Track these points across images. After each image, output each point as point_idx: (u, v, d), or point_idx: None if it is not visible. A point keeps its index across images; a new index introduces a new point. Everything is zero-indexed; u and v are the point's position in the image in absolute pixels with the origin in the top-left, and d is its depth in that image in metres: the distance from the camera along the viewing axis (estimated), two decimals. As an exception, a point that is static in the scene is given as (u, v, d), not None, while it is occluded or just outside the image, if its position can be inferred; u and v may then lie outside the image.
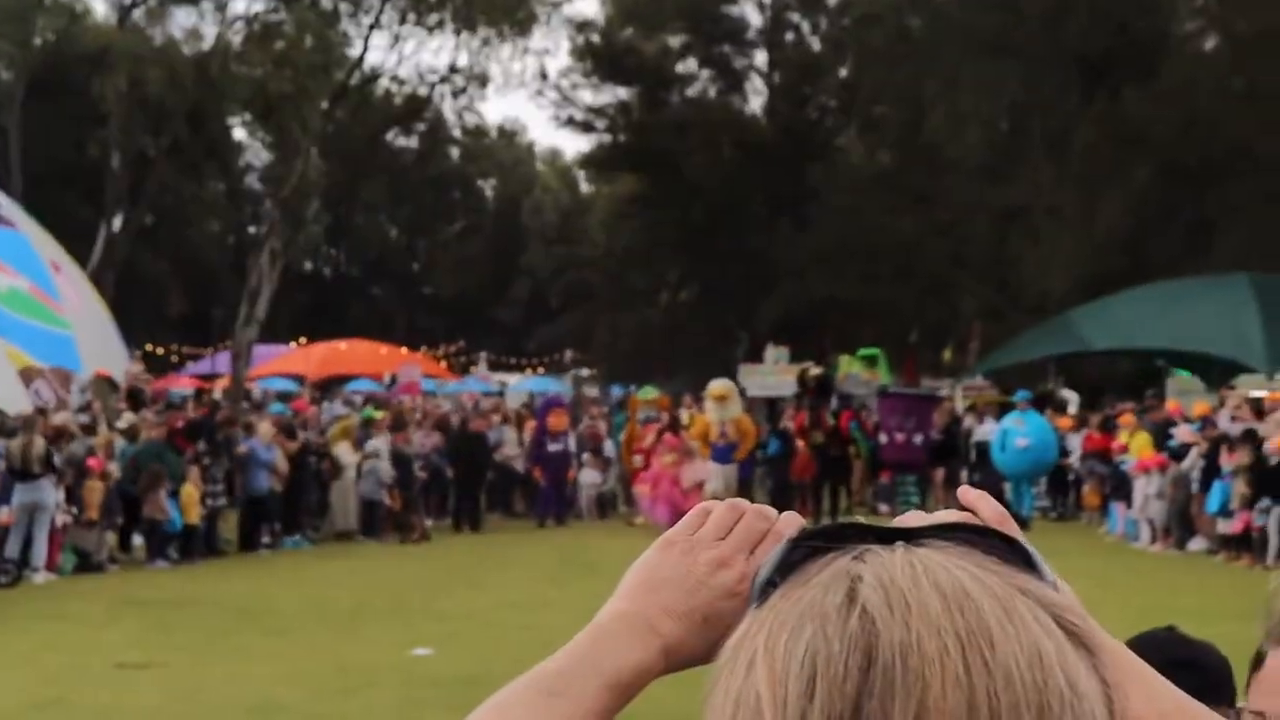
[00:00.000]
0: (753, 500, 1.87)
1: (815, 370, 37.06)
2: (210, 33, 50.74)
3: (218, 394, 32.73)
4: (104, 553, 26.41)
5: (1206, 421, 29.18)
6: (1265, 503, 25.28)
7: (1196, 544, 28.42)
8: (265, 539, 28.46)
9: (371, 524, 30.54)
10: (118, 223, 47.24)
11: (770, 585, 1.27)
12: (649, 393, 35.84)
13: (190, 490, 26.58)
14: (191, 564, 26.19)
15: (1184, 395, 33.11)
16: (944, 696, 1.09)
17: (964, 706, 1.10)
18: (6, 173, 40.86)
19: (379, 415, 32.39)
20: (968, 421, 34.05)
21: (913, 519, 1.31)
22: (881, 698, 1.10)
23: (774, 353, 42.19)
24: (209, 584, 24.25)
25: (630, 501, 31.47)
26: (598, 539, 27.84)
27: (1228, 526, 26.63)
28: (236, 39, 49.66)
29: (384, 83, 54.06)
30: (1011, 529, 1.33)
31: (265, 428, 29.14)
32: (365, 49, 50.01)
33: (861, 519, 1.31)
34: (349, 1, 48.58)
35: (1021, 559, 1.23)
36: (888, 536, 1.25)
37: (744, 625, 1.24)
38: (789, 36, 58.29)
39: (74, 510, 26.27)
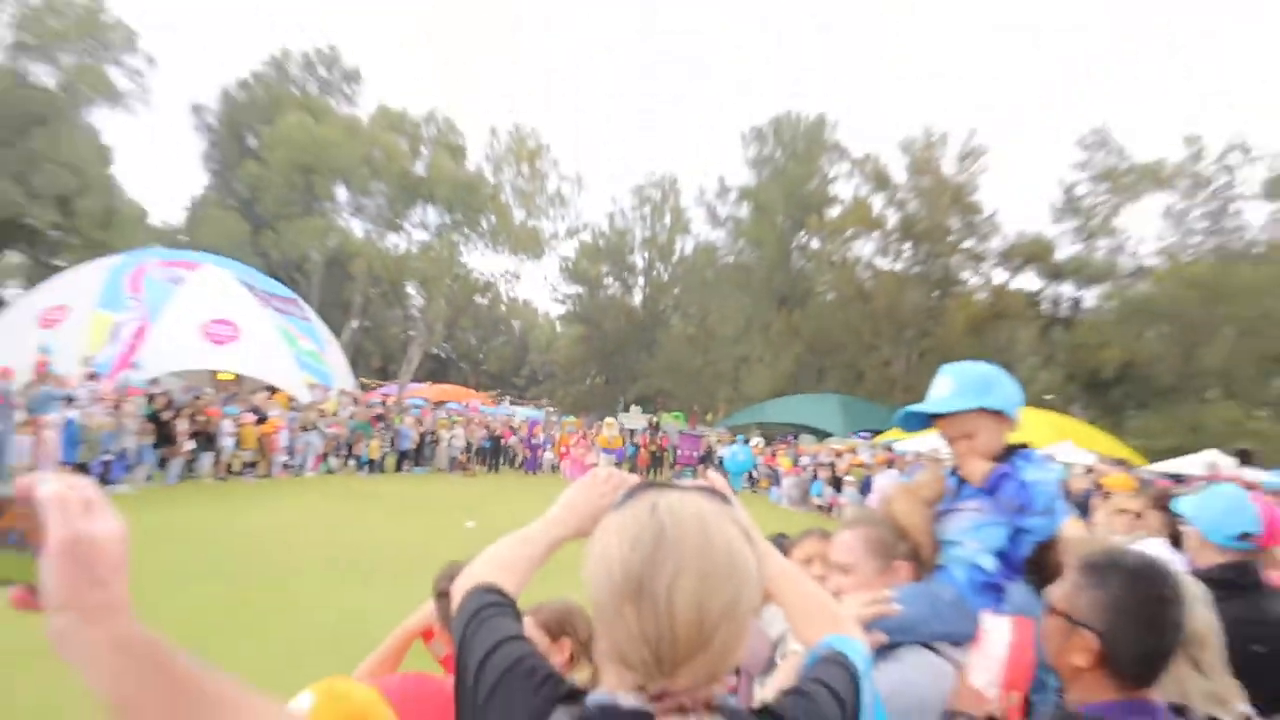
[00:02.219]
0: None
1: (654, 418, 41.23)
2: (394, 241, 53.41)
3: (390, 403, 33.79)
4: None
5: (814, 456, 31.29)
6: (839, 494, 26.42)
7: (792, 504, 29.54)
8: (406, 467, 29.42)
9: (452, 465, 30.89)
10: (354, 324, 48.20)
11: (620, 504, 1.44)
12: (572, 420, 41.08)
13: (375, 444, 27.93)
14: (373, 474, 27.02)
15: (807, 443, 35.82)
16: (691, 549, 1.31)
17: (696, 552, 1.31)
18: (309, 301, 40.56)
19: (458, 419, 33.51)
20: (718, 448, 35.37)
21: (684, 483, 1.51)
22: (663, 549, 1.32)
23: (635, 409, 46.21)
24: (387, 484, 25.22)
25: (557, 469, 33.93)
26: (547, 483, 28.86)
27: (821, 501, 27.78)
28: (414, 249, 52.62)
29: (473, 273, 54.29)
30: (724, 488, 1.61)
31: (409, 419, 30.65)
32: (468, 258, 53.59)
33: (661, 482, 1.52)
34: (462, 236, 51.63)
35: (726, 501, 1.45)
36: (671, 488, 1.47)
37: (606, 518, 1.44)
38: (654, 271, 60.53)
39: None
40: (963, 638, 2.63)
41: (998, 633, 2.50)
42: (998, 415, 2.94)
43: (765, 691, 2.23)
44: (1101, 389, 43.36)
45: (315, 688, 1.91)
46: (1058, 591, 2.22)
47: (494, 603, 1.65)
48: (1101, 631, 2.09)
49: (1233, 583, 3.49)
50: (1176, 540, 4.98)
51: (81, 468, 18.30)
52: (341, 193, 50.69)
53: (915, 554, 2.84)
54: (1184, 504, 4.16)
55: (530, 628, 2.92)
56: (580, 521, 1.90)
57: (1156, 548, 4.95)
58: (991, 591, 2.77)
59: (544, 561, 1.87)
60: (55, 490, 1.01)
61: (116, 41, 41.43)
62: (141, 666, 0.97)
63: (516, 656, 1.51)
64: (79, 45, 40.20)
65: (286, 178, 47.21)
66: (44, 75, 40.98)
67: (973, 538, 2.81)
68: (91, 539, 0.99)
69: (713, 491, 1.49)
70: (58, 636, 0.98)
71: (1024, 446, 2.95)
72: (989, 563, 2.77)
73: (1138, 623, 2.07)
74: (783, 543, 3.61)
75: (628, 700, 1.37)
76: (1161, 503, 5.76)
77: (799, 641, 1.90)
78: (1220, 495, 4.01)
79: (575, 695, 1.45)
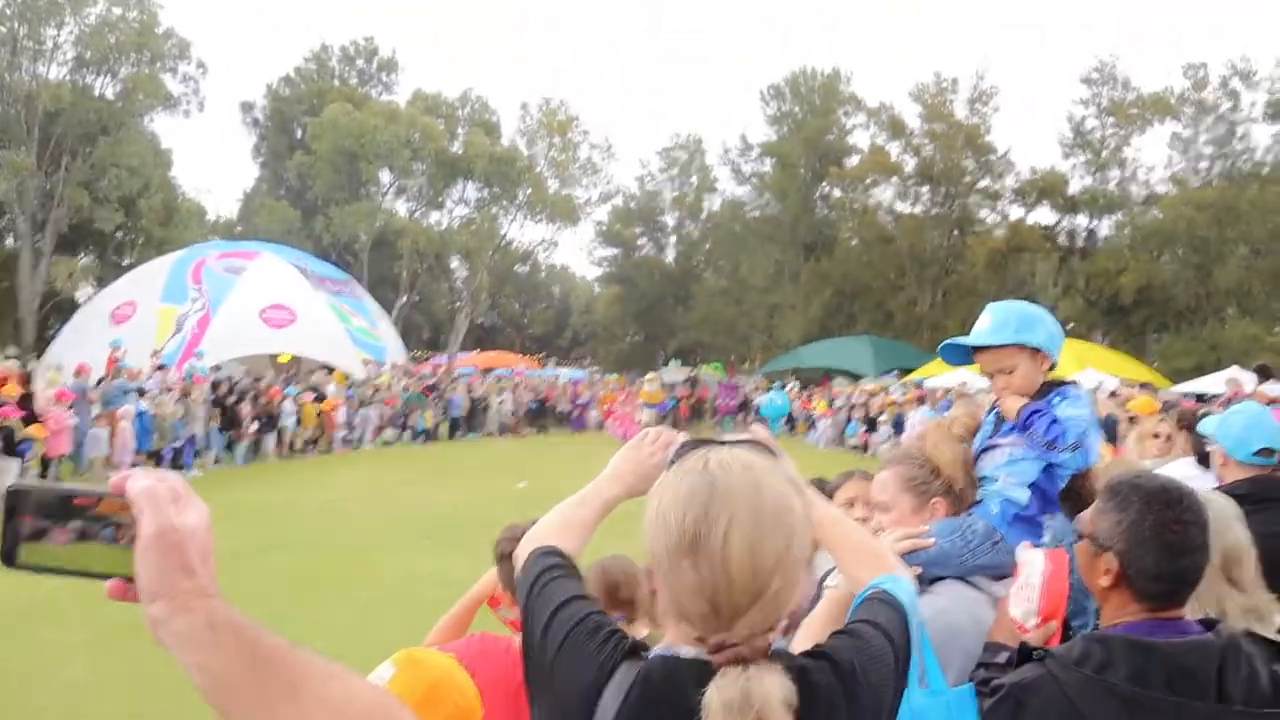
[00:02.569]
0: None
1: (693, 371, 41.40)
2: (436, 218, 53.27)
3: (441, 373, 34.42)
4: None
5: (848, 397, 31.01)
6: (873, 433, 27.20)
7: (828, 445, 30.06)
8: (459, 434, 30.17)
9: (502, 430, 31.69)
10: (404, 299, 48.71)
11: (672, 461, 1.48)
12: (615, 378, 40.88)
13: (429, 413, 28.84)
14: (428, 443, 27.83)
15: (840, 385, 34.54)
16: (743, 502, 1.34)
17: (747, 505, 1.34)
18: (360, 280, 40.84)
19: (505, 384, 34.44)
20: (755, 396, 35.33)
21: (731, 436, 1.52)
22: (716, 504, 1.34)
23: (674, 363, 46.12)
24: (442, 451, 26.03)
25: (603, 426, 33.05)
26: (593, 440, 28.65)
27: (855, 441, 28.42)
28: (455, 224, 52.10)
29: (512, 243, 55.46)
30: (770, 442, 1.57)
31: (459, 387, 31.45)
32: (507, 230, 53.68)
33: (709, 437, 1.55)
34: (500, 209, 51.38)
35: (772, 453, 1.47)
36: (720, 443, 1.49)
37: (662, 476, 1.47)
38: (685, 229, 61.08)
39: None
40: (999, 570, 2.56)
41: (1033, 564, 2.42)
42: (1036, 353, 2.87)
43: (803, 628, 2.17)
44: (1121, 314, 42.95)
45: (395, 658, 1.93)
46: (1086, 515, 2.20)
47: (555, 564, 1.66)
48: (1121, 552, 2.08)
49: (1259, 497, 3.39)
50: (1205, 460, 4.79)
51: (154, 455, 18.69)
52: (385, 175, 50.84)
53: (950, 489, 2.77)
54: (1207, 424, 4.13)
55: (590, 586, 2.87)
56: (633, 481, 1.90)
57: (1184, 469, 4.86)
58: (1026, 524, 2.72)
59: (600, 522, 1.88)
60: (145, 484, 1.01)
61: (170, 51, 41.90)
62: (233, 648, 0.98)
63: (581, 615, 1.52)
64: (136, 57, 40.62)
65: (333, 165, 47.49)
66: (104, 86, 41.56)
67: (1006, 472, 2.75)
68: (180, 529, 1.00)
69: (761, 445, 1.51)
70: (153, 624, 0.99)
71: (1064, 383, 2.89)
72: (1023, 496, 2.71)
73: (1154, 544, 2.05)
74: (824, 486, 3.51)
75: (688, 652, 1.40)
76: (1188, 424, 5.65)
77: (849, 584, 1.91)
78: (1241, 414, 3.97)
79: (638, 650, 1.47)
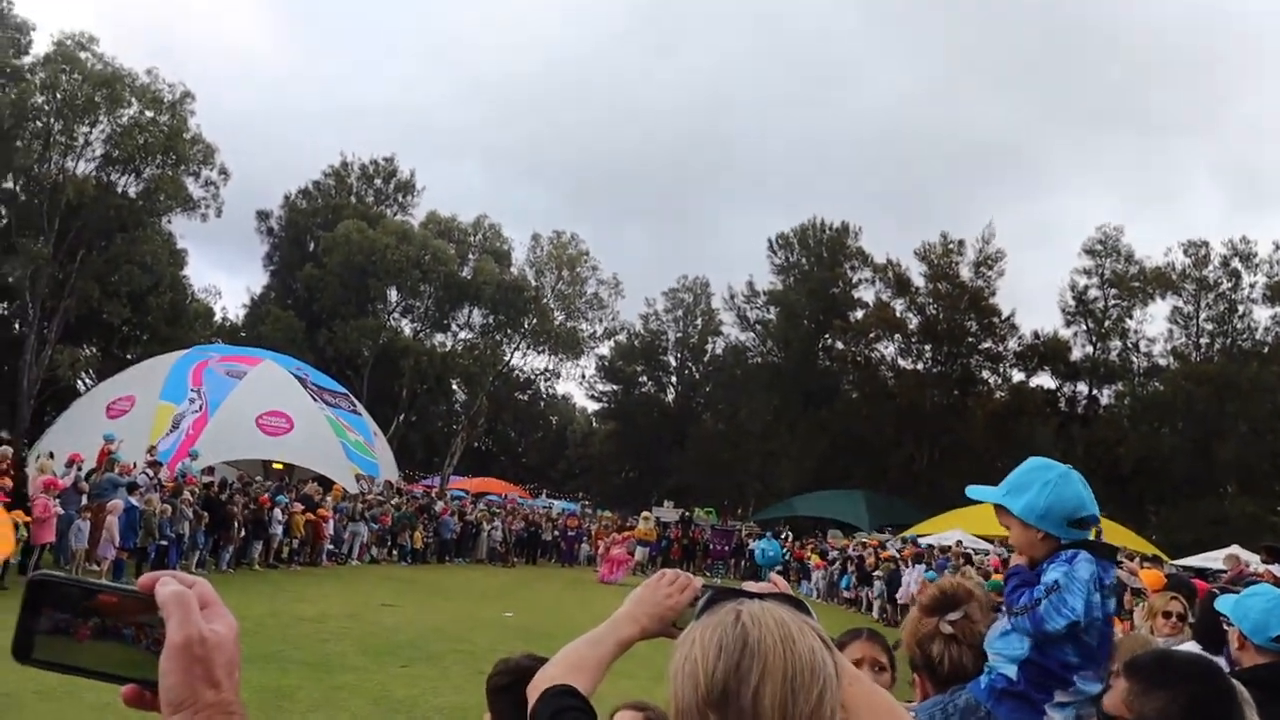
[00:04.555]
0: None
1: (686, 513, 40.93)
2: (440, 340, 54.37)
3: (433, 495, 33.79)
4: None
5: (842, 550, 31.41)
6: (869, 587, 27.17)
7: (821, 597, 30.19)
8: (448, 558, 29.73)
9: (491, 557, 31.54)
10: (401, 417, 49.94)
11: (702, 611, 1.43)
12: (608, 515, 39.84)
13: (418, 534, 28.65)
14: (415, 564, 27.48)
15: (835, 537, 35.27)
16: (774, 660, 1.29)
17: (780, 660, 1.29)
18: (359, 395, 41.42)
19: (497, 511, 34.15)
20: (749, 542, 35.33)
21: (758, 588, 1.54)
22: (749, 660, 1.29)
23: (668, 503, 44.60)
24: (430, 573, 25.65)
25: (594, 561, 32.95)
26: (583, 574, 29.33)
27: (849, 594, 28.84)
28: (459, 347, 53.45)
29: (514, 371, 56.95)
30: (799, 598, 1.52)
31: (453, 509, 31.38)
32: (510, 357, 54.51)
33: (737, 585, 1.57)
34: (504, 337, 52.99)
35: (801, 608, 1.42)
36: (750, 595, 1.46)
37: (690, 627, 1.41)
38: (686, 370, 62.04)
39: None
40: None
41: None
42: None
43: None
44: (1120, 484, 42.53)
45: None
46: (1113, 699, 2.14)
47: (571, 706, 1.63)
48: None
49: (1276, 684, 3.21)
50: (1214, 639, 4.80)
51: (139, 552, 18.36)
52: (393, 294, 51.61)
53: (925, 664, 2.70)
54: (1225, 603, 4.02)
55: None
56: (648, 622, 1.85)
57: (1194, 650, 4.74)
58: (1018, 700, 2.57)
59: (613, 662, 1.81)
60: (175, 589, 0.98)
61: (195, 155, 42.55)
62: None
63: None
64: (162, 159, 41.34)
65: (342, 279, 48.17)
66: (128, 184, 42.39)
67: (994, 647, 2.63)
68: (208, 639, 0.96)
69: (792, 600, 1.48)
70: None
71: (1085, 546, 2.66)
72: (1009, 670, 2.57)
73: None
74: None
75: None
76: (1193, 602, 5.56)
77: None
78: (1260, 596, 3.86)
79: None
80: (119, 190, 41.71)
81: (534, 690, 1.70)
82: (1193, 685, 1.99)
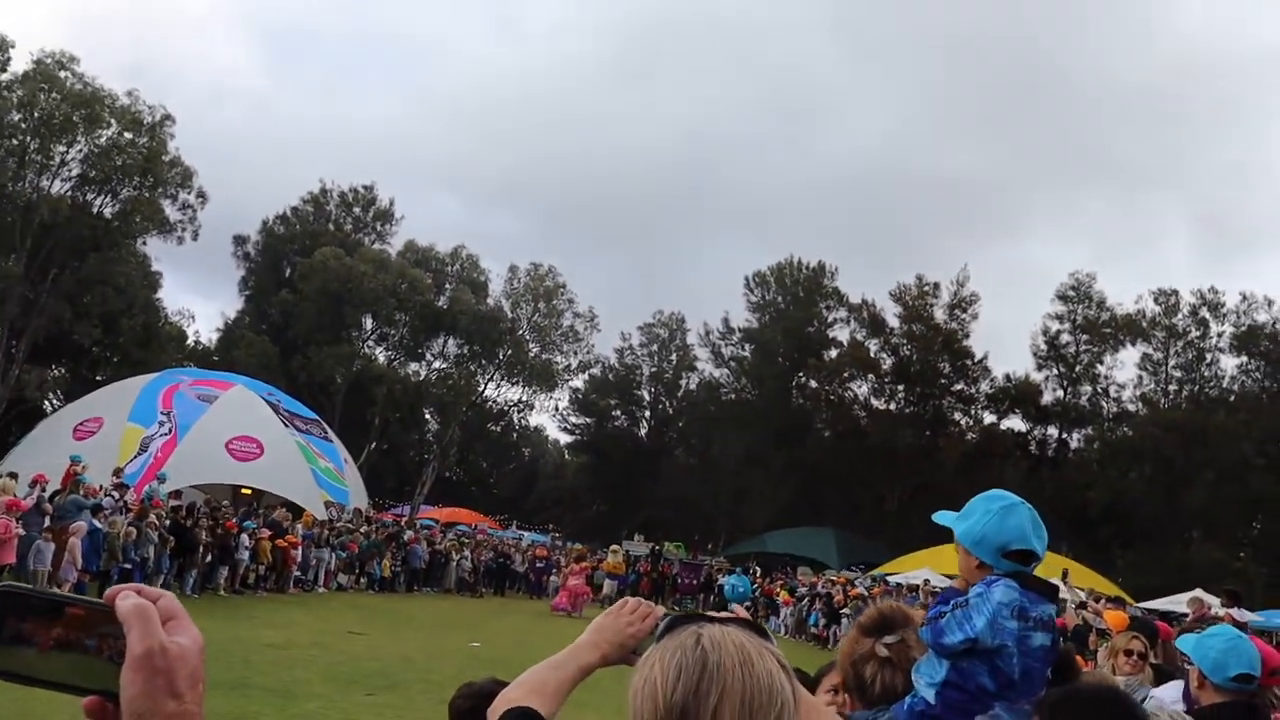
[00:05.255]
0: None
1: (656, 546, 40.54)
2: (414, 369, 53.97)
3: (403, 524, 34.48)
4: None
5: (811, 586, 31.60)
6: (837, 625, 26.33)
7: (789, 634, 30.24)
8: (417, 587, 29.97)
9: (460, 587, 31.78)
10: (373, 445, 47.91)
11: (661, 635, 1.45)
12: (578, 547, 36.99)
13: (387, 562, 28.93)
14: (383, 592, 27.82)
15: (805, 574, 34.67)
16: (733, 682, 1.30)
17: (738, 683, 1.31)
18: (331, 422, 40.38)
19: (467, 541, 34.66)
20: (718, 577, 35.10)
21: (721, 616, 1.48)
22: (708, 682, 1.30)
23: (638, 537, 44.05)
24: (397, 602, 25.83)
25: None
26: (551, 607, 28.61)
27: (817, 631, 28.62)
28: (433, 376, 52.91)
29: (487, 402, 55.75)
30: (759, 625, 1.51)
31: (423, 539, 31.43)
32: (484, 388, 53.09)
33: (698, 611, 1.57)
34: (479, 367, 52.06)
35: (761, 633, 1.44)
36: (713, 620, 1.43)
37: (649, 650, 1.43)
38: (660, 405, 61.96)
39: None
40: None
41: None
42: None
43: None
44: (1088, 528, 42.89)
45: None
46: None
47: None
48: None
49: None
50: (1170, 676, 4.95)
51: (103, 575, 18.06)
52: (368, 321, 51.49)
53: (856, 684, 2.74)
54: (1185, 643, 4.11)
55: None
56: (609, 649, 1.87)
57: (1173, 692, 4.77)
58: None
59: (573, 688, 1.82)
60: (136, 602, 0.98)
61: (173, 178, 42.18)
62: None
63: None
64: (139, 180, 40.87)
65: (317, 306, 48.05)
66: (104, 205, 41.84)
67: (919, 671, 2.66)
68: (170, 651, 0.96)
69: (752, 625, 1.48)
70: None
71: (1016, 577, 2.67)
72: (928, 694, 2.60)
73: None
74: (804, 678, 3.49)
75: None
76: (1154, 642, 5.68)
77: None
78: (1219, 636, 3.96)
79: None
80: (94, 211, 41.28)
81: (494, 713, 1.71)
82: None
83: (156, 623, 0.97)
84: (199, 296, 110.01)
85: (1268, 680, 4.16)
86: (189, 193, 43.30)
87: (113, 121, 40.03)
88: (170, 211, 42.96)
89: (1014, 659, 2.57)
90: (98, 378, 41.31)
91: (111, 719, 0.97)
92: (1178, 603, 23.00)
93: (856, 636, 2.80)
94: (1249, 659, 3.77)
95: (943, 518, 2.90)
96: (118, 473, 22.80)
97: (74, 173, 40.54)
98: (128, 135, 40.57)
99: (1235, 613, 11.04)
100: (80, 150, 40.04)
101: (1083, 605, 12.28)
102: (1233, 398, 44.90)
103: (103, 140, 40.23)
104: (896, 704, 2.66)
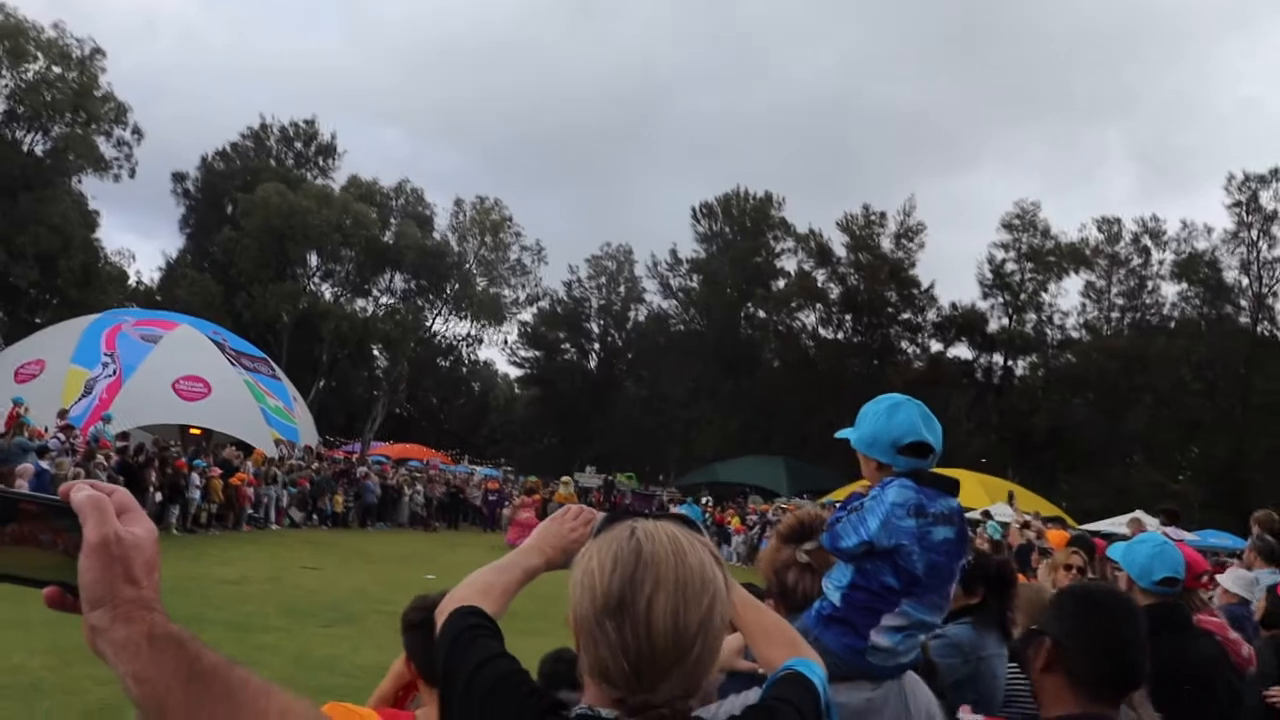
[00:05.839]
0: None
1: (608, 478, 41.82)
2: (361, 305, 53.75)
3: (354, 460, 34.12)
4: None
5: (761, 514, 32.93)
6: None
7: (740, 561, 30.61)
8: (370, 523, 29.81)
9: (413, 521, 31.92)
10: (321, 383, 48.22)
11: (598, 530, 1.53)
12: (531, 479, 37.71)
13: (339, 498, 28.90)
14: (336, 528, 27.66)
15: (755, 502, 36.67)
16: (666, 571, 1.38)
17: (671, 571, 1.39)
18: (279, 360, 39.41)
19: (419, 476, 34.59)
20: (670, 507, 32.17)
21: (655, 513, 1.59)
22: (643, 571, 1.39)
23: (590, 469, 44.29)
24: (350, 538, 25.61)
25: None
26: (504, 540, 27.83)
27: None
28: (380, 313, 52.58)
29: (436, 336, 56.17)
30: (692, 520, 1.61)
31: (371, 475, 31.12)
32: (431, 323, 53.41)
33: (636, 510, 1.83)
34: (426, 302, 51.79)
35: (693, 527, 1.52)
36: (645, 514, 1.55)
37: (588, 544, 1.51)
38: (609, 337, 61.58)
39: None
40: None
41: None
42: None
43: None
44: (1033, 453, 44.09)
45: (326, 707, 1.91)
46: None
47: (478, 624, 1.66)
48: (1059, 638, 2.18)
49: (1162, 624, 3.49)
50: None
51: (51, 517, 18.13)
52: (313, 258, 51.01)
53: (780, 590, 2.78)
54: (1115, 550, 4.25)
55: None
56: (553, 553, 1.93)
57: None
58: (842, 626, 2.62)
59: (518, 591, 1.88)
60: (90, 494, 1.00)
61: (107, 114, 41.55)
62: (171, 660, 0.96)
63: (504, 672, 1.54)
64: (71, 116, 40.28)
65: (260, 243, 47.35)
66: (35, 143, 41.10)
67: (829, 577, 2.70)
68: (125, 539, 0.99)
69: (684, 519, 1.56)
70: (91, 632, 0.97)
71: (913, 475, 2.67)
72: (834, 597, 2.64)
73: (1094, 635, 2.15)
74: (757, 591, 3.58)
75: (609, 713, 1.40)
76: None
77: (760, 663, 1.94)
78: (1146, 543, 4.08)
79: (559, 709, 1.47)
80: (24, 149, 40.30)
81: (441, 612, 1.76)
82: (1091, 604, 2.17)
83: (111, 513, 1.00)
84: (139, 236, 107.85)
85: (1192, 583, 4.37)
86: (124, 129, 42.72)
87: (39, 55, 38.91)
88: (105, 149, 42.27)
89: (915, 556, 2.58)
90: (36, 320, 40.52)
91: (71, 608, 1.00)
92: (1119, 524, 23.37)
93: (777, 545, 2.85)
94: (1173, 563, 3.90)
95: (843, 433, 2.92)
96: (62, 414, 22.53)
97: (0, 109, 39.73)
98: (56, 69, 39.51)
99: (1172, 531, 11.42)
100: (6, 85, 39.01)
101: (1026, 525, 12.68)
102: (1173, 324, 45.67)
103: (30, 75, 39.11)
104: (805, 611, 2.71)
